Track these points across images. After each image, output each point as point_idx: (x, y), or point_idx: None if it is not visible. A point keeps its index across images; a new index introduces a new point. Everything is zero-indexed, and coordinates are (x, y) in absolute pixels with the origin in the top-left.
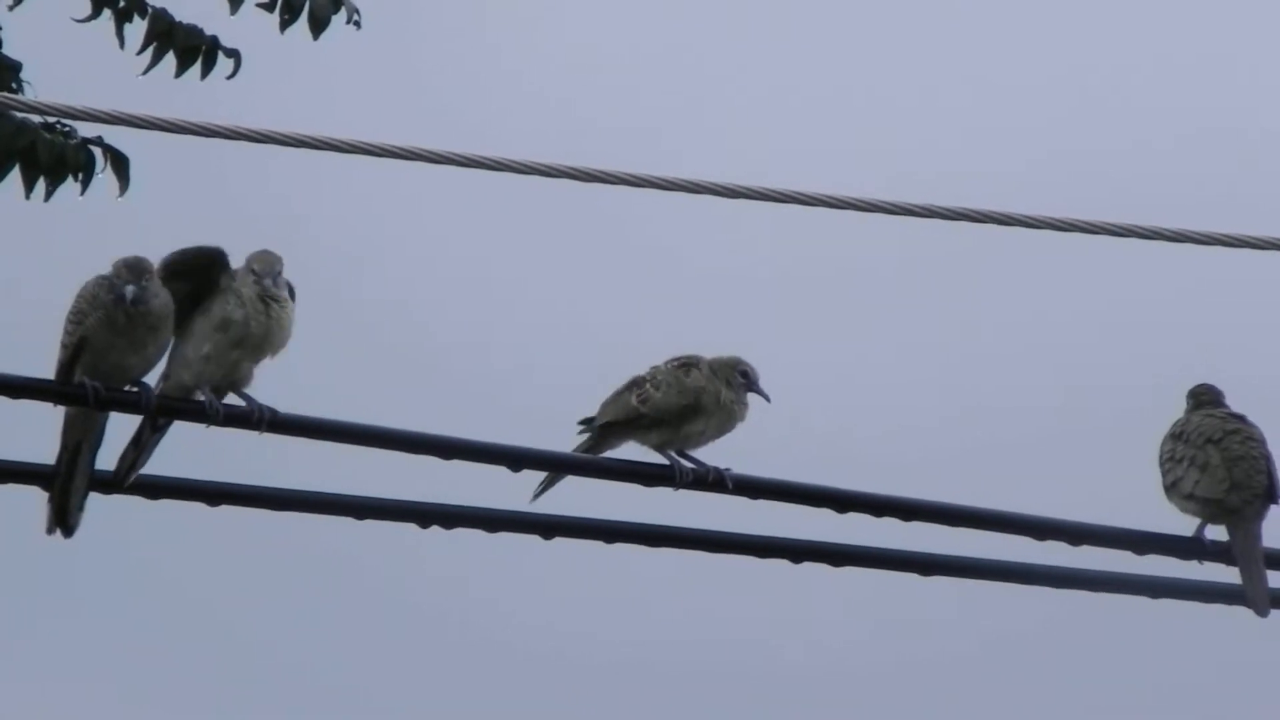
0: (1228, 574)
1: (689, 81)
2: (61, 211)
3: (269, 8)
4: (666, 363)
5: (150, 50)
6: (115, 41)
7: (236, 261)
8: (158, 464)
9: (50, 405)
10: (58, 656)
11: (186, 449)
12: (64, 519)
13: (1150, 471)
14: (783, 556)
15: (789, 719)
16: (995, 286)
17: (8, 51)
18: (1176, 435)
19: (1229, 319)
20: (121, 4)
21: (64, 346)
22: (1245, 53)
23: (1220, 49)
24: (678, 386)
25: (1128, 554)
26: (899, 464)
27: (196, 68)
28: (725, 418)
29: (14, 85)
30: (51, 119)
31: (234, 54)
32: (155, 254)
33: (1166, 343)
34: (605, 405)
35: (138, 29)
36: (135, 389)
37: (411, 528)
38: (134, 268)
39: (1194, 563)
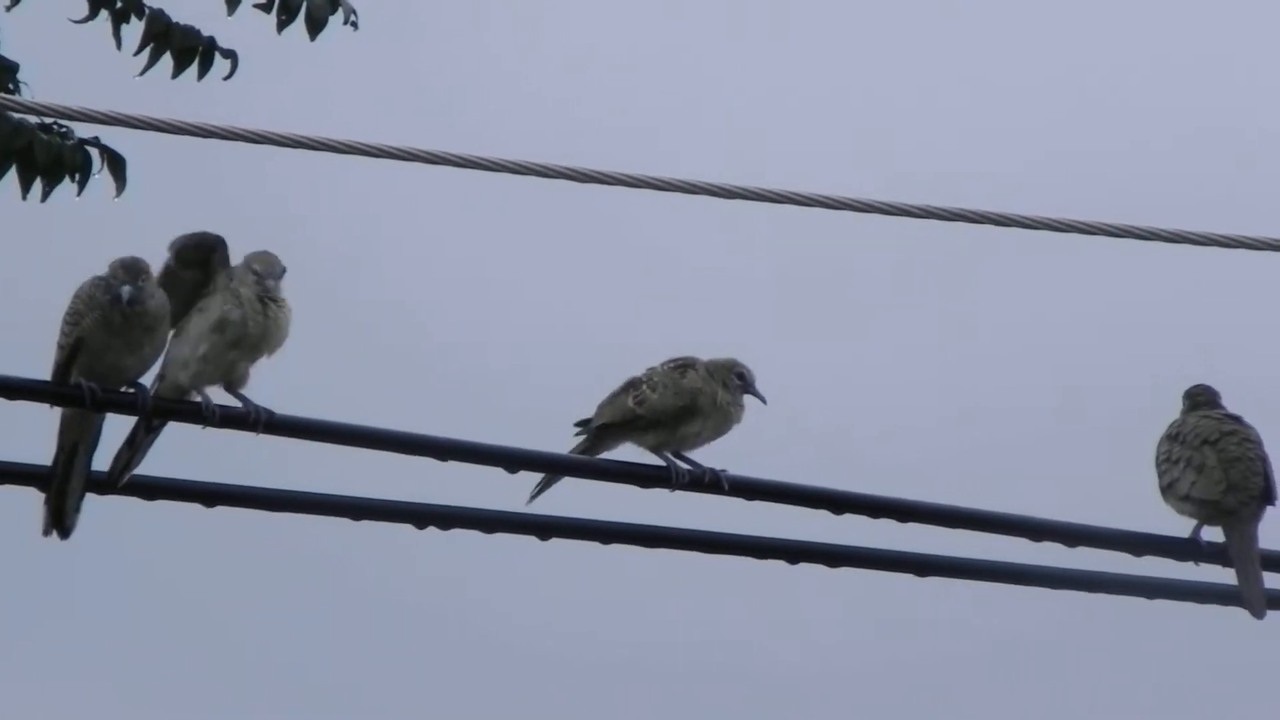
0: (1223, 575)
1: (686, 82)
2: (58, 212)
3: (266, 8)
4: (663, 364)
5: (147, 51)
6: (112, 42)
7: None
8: (154, 465)
9: (47, 406)
10: (54, 657)
11: (183, 450)
12: (60, 520)
13: (1147, 472)
14: (779, 557)
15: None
16: (992, 287)
17: (5, 52)
18: (1173, 436)
19: (1225, 320)
20: (119, 5)
21: (60, 347)
22: (1242, 53)
23: (1217, 49)
24: (674, 388)
25: (1124, 555)
26: (895, 465)
27: (193, 68)
28: (721, 419)
29: (11, 86)
30: (48, 119)
31: (231, 55)
32: (152, 255)
33: (1163, 343)
34: (602, 407)
35: (135, 30)
36: (132, 390)
37: (408, 529)
38: (130, 268)
39: (1190, 564)
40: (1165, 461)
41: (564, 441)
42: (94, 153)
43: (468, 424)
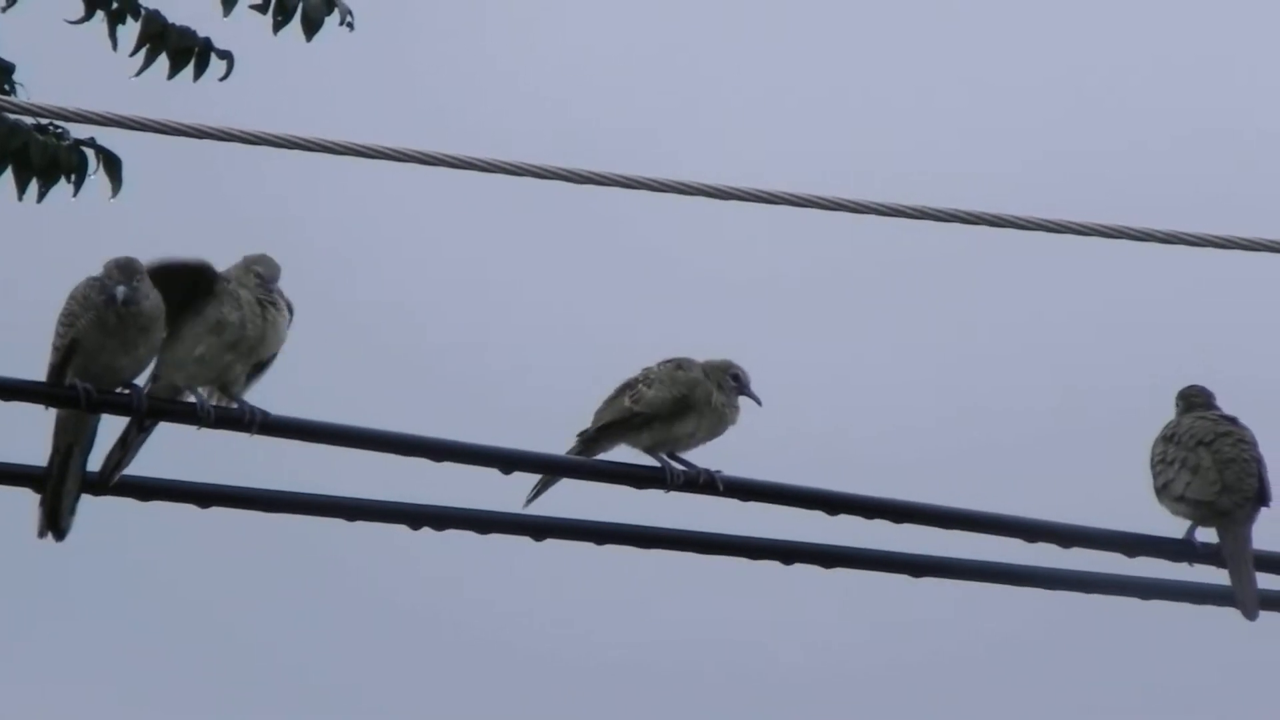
0: (1218, 576)
1: (682, 83)
2: (54, 213)
3: (262, 9)
4: (659, 364)
5: (143, 52)
6: (108, 43)
7: (222, 266)
8: (148, 466)
9: (42, 407)
10: (50, 659)
11: (177, 450)
12: (56, 522)
13: (1141, 473)
14: (774, 558)
15: None
16: (987, 288)
17: (1, 53)
18: (1168, 437)
19: (1221, 320)
20: (114, 6)
21: (55, 349)
22: (1239, 54)
23: (1214, 50)
24: (670, 380)
25: (1118, 556)
26: (890, 466)
27: (189, 69)
28: (716, 420)
29: (7, 87)
30: (44, 120)
31: (227, 56)
32: (147, 255)
33: (1159, 344)
34: (599, 413)
35: (131, 31)
36: (126, 391)
37: (403, 529)
38: (125, 268)
39: (1185, 565)
40: (1160, 462)
41: (559, 443)
42: (90, 153)
43: (462, 425)
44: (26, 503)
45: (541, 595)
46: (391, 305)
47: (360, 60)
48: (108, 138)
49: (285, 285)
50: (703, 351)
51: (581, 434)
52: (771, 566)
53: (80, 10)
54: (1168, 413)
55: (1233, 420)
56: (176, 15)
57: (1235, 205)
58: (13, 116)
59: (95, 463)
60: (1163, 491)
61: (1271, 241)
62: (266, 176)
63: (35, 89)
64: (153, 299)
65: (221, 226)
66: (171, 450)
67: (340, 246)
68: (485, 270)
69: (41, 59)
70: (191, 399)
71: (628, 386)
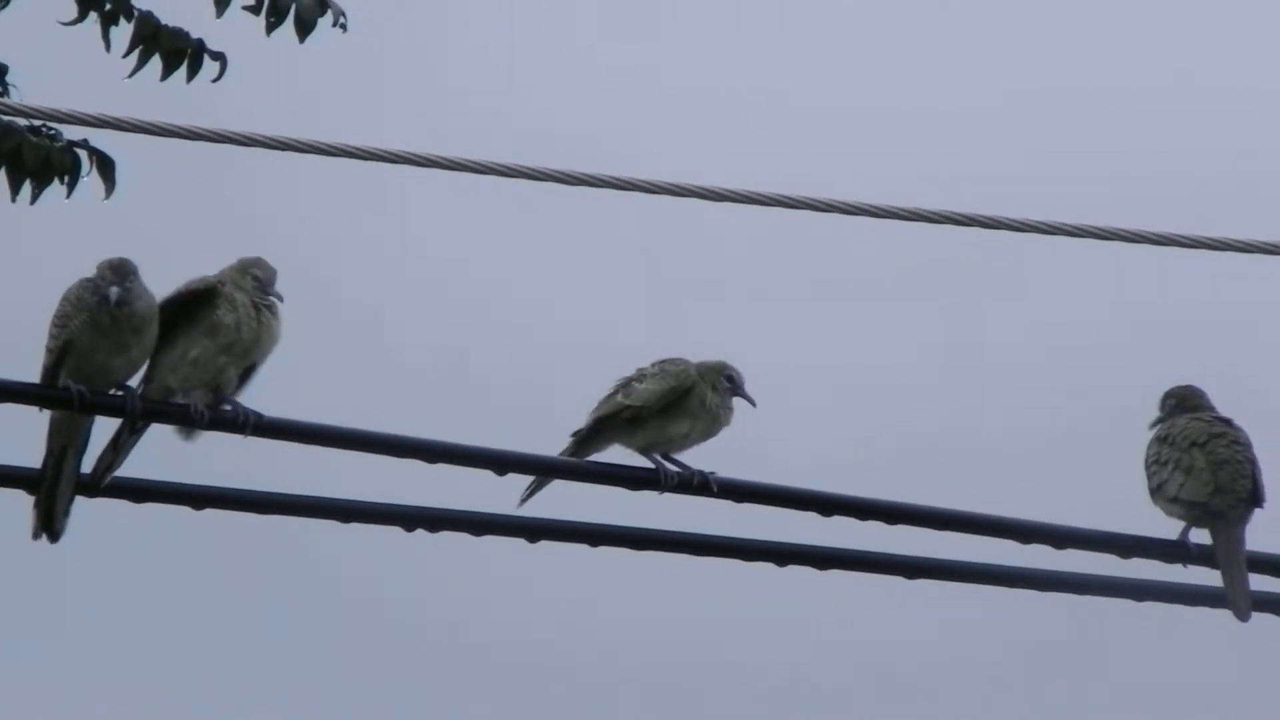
0: (1212, 577)
1: (675, 85)
2: (47, 214)
3: (255, 11)
4: (653, 365)
5: (136, 53)
6: (101, 44)
7: (215, 267)
8: (142, 468)
9: (35, 409)
10: (45, 660)
11: (171, 453)
12: (50, 523)
13: (1136, 474)
14: (768, 559)
15: None
16: (981, 290)
17: None
18: (1162, 439)
19: (1216, 321)
20: (107, 7)
21: (49, 350)
22: (1236, 55)
23: (1210, 51)
24: (661, 373)
25: (1112, 557)
26: (884, 467)
27: (182, 71)
28: (710, 421)
29: (0, 88)
30: (37, 122)
31: (220, 57)
32: (141, 256)
33: (1153, 346)
34: (593, 411)
35: (123, 32)
36: (120, 393)
37: (397, 531)
38: (118, 269)
39: (1178, 566)
40: (1154, 463)
41: (553, 444)
42: (83, 155)
43: (457, 426)
44: (21, 505)
45: (536, 597)
46: (385, 306)
47: (353, 62)
48: (101, 139)
49: (279, 285)
50: (697, 353)
51: (576, 433)
52: (766, 568)
53: (73, 11)
54: (1155, 413)
55: (1227, 421)
56: (170, 17)
57: (1233, 206)
58: (6, 118)
59: (89, 465)
60: (1157, 492)
61: (1265, 243)
62: (260, 178)
63: (28, 90)
64: (145, 300)
65: (215, 228)
66: (165, 452)
67: (334, 248)
68: (478, 271)
69: (34, 60)
70: (184, 400)
71: (621, 385)
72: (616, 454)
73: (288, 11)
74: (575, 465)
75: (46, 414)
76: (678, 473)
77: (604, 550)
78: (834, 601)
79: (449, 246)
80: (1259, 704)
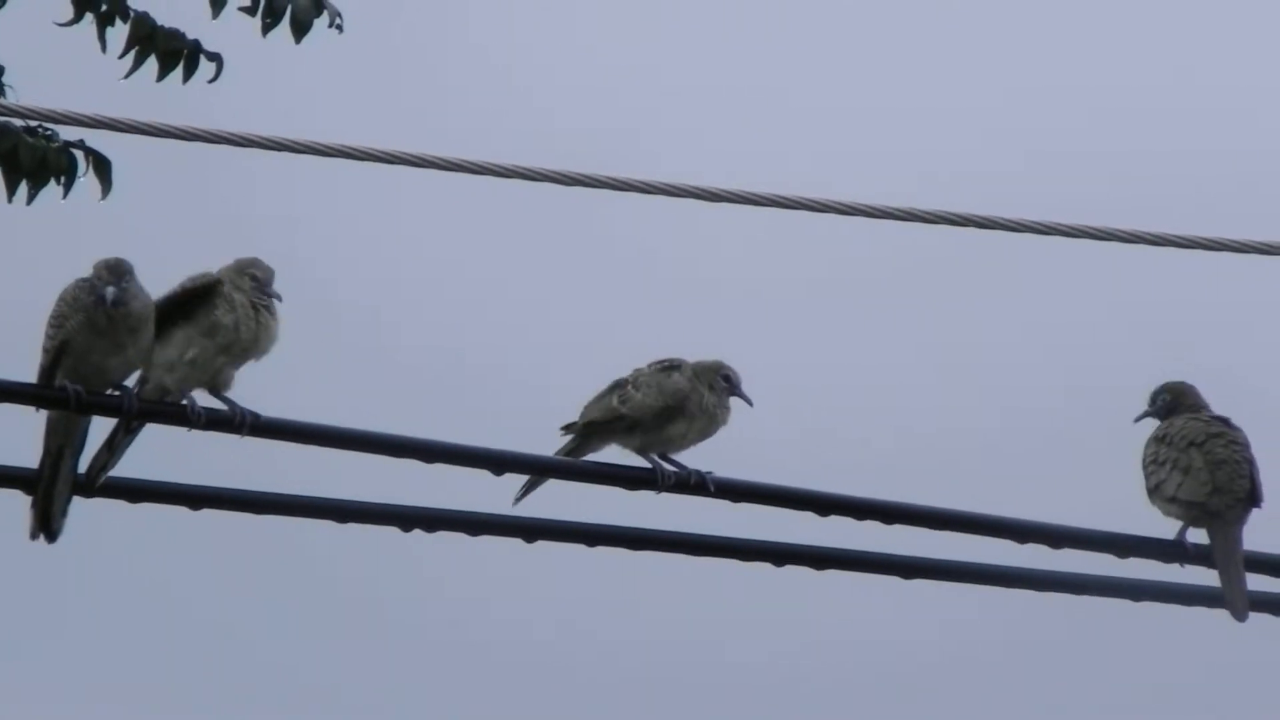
0: (1209, 577)
1: (673, 85)
2: (44, 215)
3: (251, 11)
4: (650, 365)
5: (132, 54)
6: (97, 45)
7: (212, 268)
8: (139, 468)
9: (32, 409)
10: (42, 660)
11: (168, 452)
12: (47, 524)
13: (1133, 474)
14: (765, 559)
15: None
16: (977, 290)
17: None
18: (1160, 438)
19: (1213, 321)
20: (103, 8)
21: (45, 350)
22: (1232, 55)
23: (1207, 51)
24: (659, 388)
25: (1109, 557)
26: (881, 467)
27: (178, 71)
28: (707, 422)
29: None
30: (34, 122)
31: (216, 58)
32: (137, 256)
33: (1149, 346)
34: (587, 408)
35: (120, 33)
36: (117, 393)
37: (394, 531)
38: (114, 269)
39: (1176, 566)
40: (1152, 463)
41: (550, 444)
42: (79, 155)
43: (453, 426)
44: (18, 505)
45: (533, 597)
46: (382, 306)
47: (349, 63)
48: (97, 140)
49: (276, 286)
50: (693, 352)
51: (567, 427)
52: (763, 568)
53: (69, 12)
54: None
55: (1225, 421)
56: (165, 17)
57: (1231, 206)
58: (2, 118)
59: (85, 464)
60: (1154, 492)
61: (1262, 243)
62: (256, 179)
63: (25, 91)
64: (142, 299)
65: (211, 228)
66: (162, 452)
67: (330, 248)
68: (475, 271)
69: (31, 61)
70: (182, 400)
71: (617, 386)
72: (613, 454)
73: (284, 12)
74: (572, 465)
75: (43, 414)
76: (675, 472)
77: (601, 550)
78: (831, 601)
79: (446, 247)
80: (1257, 704)
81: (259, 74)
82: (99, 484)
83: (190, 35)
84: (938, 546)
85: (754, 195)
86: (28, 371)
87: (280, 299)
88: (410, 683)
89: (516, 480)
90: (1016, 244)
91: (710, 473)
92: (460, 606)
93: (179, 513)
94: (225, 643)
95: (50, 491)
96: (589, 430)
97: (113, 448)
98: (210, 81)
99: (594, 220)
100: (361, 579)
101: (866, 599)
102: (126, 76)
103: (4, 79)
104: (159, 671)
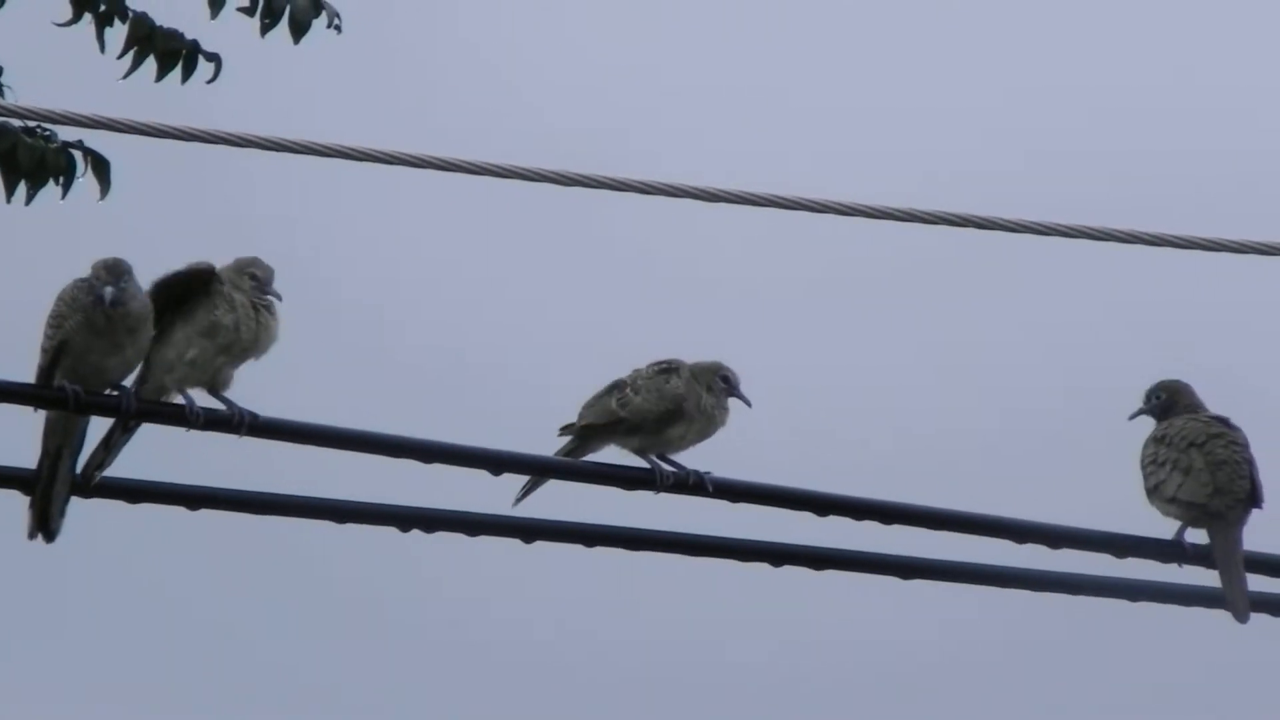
0: (1207, 577)
1: (671, 84)
2: (42, 215)
3: (250, 12)
4: (648, 366)
5: (131, 54)
6: (96, 45)
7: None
8: (137, 468)
9: (31, 409)
10: (40, 660)
11: (166, 453)
12: (45, 523)
13: (1131, 474)
14: (763, 560)
15: None
16: (976, 290)
17: None
18: (1159, 438)
19: (1211, 321)
20: (102, 8)
21: (44, 350)
22: (1234, 55)
23: (1209, 51)
24: (657, 392)
25: (1107, 557)
26: (880, 467)
27: (177, 72)
28: (706, 423)
29: None
30: (32, 123)
31: (214, 58)
32: (136, 257)
33: (1147, 346)
34: (585, 408)
35: (118, 33)
36: (115, 392)
37: (392, 531)
38: (112, 269)
39: (1174, 566)
40: (1151, 463)
41: (549, 444)
42: (78, 155)
43: (451, 426)
44: (16, 505)
45: (532, 597)
46: (380, 307)
47: (348, 63)
48: (96, 140)
49: (275, 286)
50: (692, 352)
51: (565, 428)
52: (761, 568)
53: (68, 12)
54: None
55: (1224, 421)
56: (164, 18)
57: (1230, 206)
58: (1, 119)
59: (83, 464)
60: (1154, 493)
61: (1260, 243)
62: (254, 179)
63: (23, 91)
64: (140, 300)
65: (210, 228)
66: (160, 452)
67: (328, 248)
68: (473, 271)
69: (30, 61)
70: (179, 400)
71: (615, 388)
72: (612, 454)
73: (282, 13)
74: (570, 465)
75: (42, 414)
76: (673, 473)
77: (599, 550)
78: (829, 602)
79: (444, 247)
80: (1256, 704)
81: (257, 74)
82: (95, 482)
83: (189, 35)
84: (936, 547)
85: (753, 195)
86: (26, 372)
87: (280, 298)
88: (409, 683)
89: (514, 480)
90: (1015, 244)
91: (709, 473)
92: (459, 607)
93: (177, 513)
94: (224, 643)
95: (49, 491)
96: (587, 432)
97: (109, 446)
98: (209, 82)
99: (592, 220)
100: (359, 579)
101: (865, 599)
102: (125, 77)
103: (3, 79)
104: (157, 671)
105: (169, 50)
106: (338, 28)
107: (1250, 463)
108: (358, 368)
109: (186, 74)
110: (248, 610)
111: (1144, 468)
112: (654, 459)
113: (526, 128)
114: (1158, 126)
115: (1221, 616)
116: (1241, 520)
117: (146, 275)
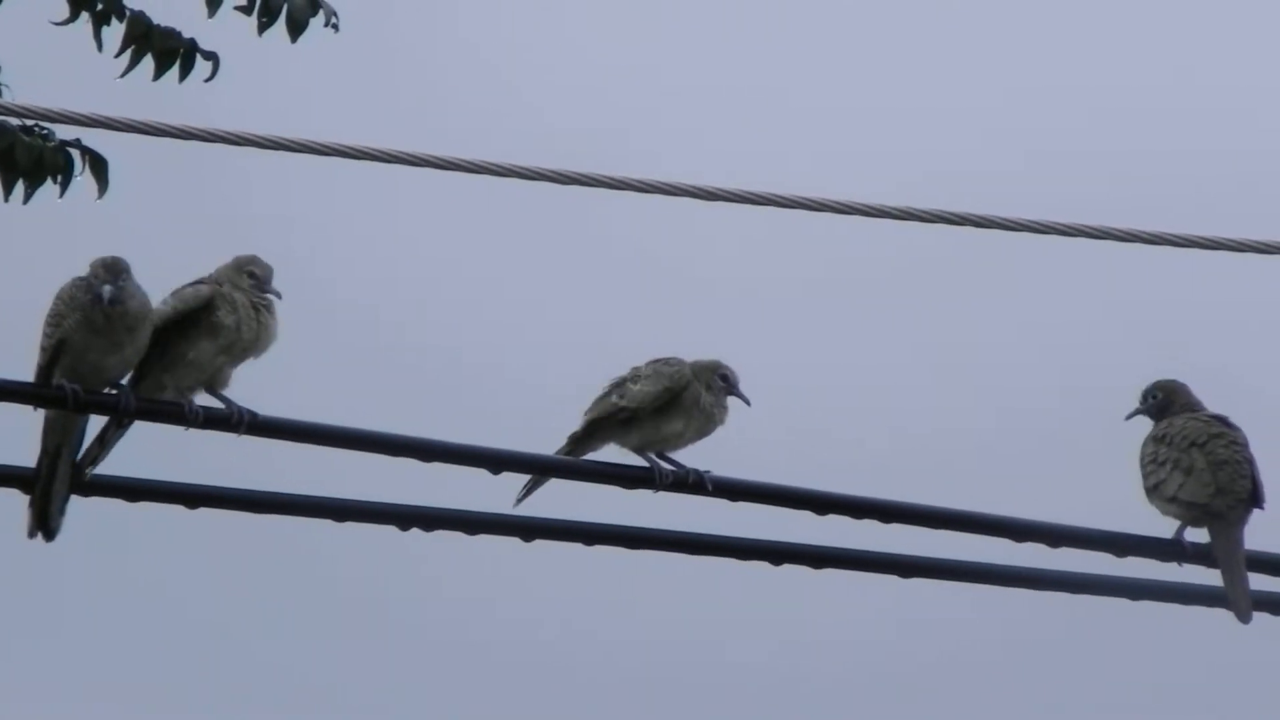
0: (1207, 576)
1: (670, 84)
2: (40, 214)
3: (247, 11)
4: (647, 364)
5: (128, 53)
6: (93, 44)
7: (210, 266)
8: (136, 466)
9: (30, 408)
10: (39, 659)
11: (165, 451)
12: (45, 522)
13: (1130, 473)
14: (763, 558)
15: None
16: (975, 289)
17: None
18: (1159, 438)
19: (1209, 320)
20: (99, 7)
21: (43, 349)
22: (1234, 55)
23: (1209, 51)
24: (655, 375)
25: (1107, 556)
26: (879, 466)
27: (175, 70)
28: (705, 421)
29: None
30: (30, 121)
31: (212, 57)
32: (134, 255)
33: (1146, 345)
34: (588, 411)
35: (116, 32)
36: (114, 391)
37: (392, 530)
38: (111, 267)
39: (1174, 565)
40: (1151, 463)
41: (548, 443)
42: (76, 154)
43: (451, 425)
44: (16, 503)
45: (531, 596)
46: (379, 305)
47: (346, 62)
48: (93, 139)
49: (274, 285)
50: (691, 352)
51: (572, 435)
52: (761, 567)
53: (65, 11)
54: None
55: (1224, 420)
56: (162, 16)
57: (1230, 206)
58: None
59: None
60: (1154, 492)
61: (1259, 242)
62: (252, 177)
63: (20, 90)
64: (139, 298)
65: (208, 227)
66: (159, 451)
67: (326, 247)
68: (472, 270)
69: (27, 60)
70: (179, 399)
71: (616, 385)
72: (611, 453)
73: (280, 11)
74: (570, 464)
75: (41, 413)
76: (672, 471)
77: (599, 549)
78: (829, 601)
79: (443, 246)
80: (1256, 704)
81: (255, 73)
82: (88, 477)
83: (186, 34)
84: (936, 545)
85: (751, 194)
86: (25, 370)
87: (279, 297)
88: (408, 682)
89: (514, 479)
90: (1013, 243)
91: (708, 472)
92: (458, 606)
93: (176, 511)
94: (223, 642)
95: (48, 490)
96: (590, 429)
97: (104, 441)
98: (206, 80)
99: (591, 219)
100: (359, 578)
101: (864, 598)
102: (123, 75)
103: (0, 77)
104: (156, 670)
105: (166, 49)
106: (335, 26)
107: (1251, 462)
108: (357, 366)
109: (184, 73)
110: (247, 609)
111: (1143, 466)
112: (653, 457)
113: (526, 127)
114: (1156, 126)
115: (1222, 616)
116: (1243, 520)
117: (145, 274)
